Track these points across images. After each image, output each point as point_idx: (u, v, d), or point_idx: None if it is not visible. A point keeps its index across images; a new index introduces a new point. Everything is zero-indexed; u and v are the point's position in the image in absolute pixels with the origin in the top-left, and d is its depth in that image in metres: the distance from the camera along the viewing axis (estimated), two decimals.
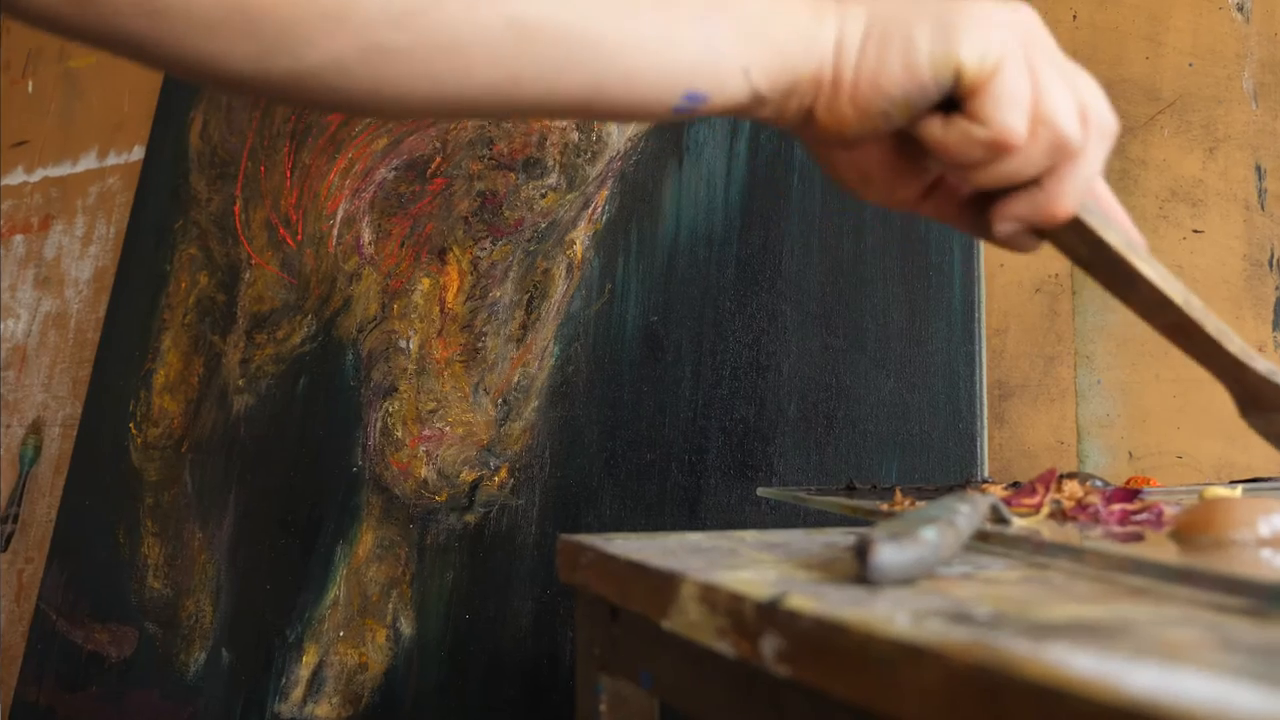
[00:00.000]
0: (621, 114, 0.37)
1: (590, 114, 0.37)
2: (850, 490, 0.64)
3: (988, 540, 0.40)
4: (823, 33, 0.36)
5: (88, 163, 1.68)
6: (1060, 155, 0.36)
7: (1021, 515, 0.46)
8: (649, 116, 0.38)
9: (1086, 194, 0.37)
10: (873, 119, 0.36)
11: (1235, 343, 0.41)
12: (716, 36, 0.35)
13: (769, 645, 0.28)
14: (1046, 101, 0.35)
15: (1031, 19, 0.37)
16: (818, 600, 0.28)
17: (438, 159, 1.22)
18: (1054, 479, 0.49)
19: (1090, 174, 0.37)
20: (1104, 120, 0.37)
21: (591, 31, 0.34)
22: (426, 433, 1.12)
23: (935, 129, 0.36)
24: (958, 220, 0.42)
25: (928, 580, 0.32)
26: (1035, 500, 0.48)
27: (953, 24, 0.35)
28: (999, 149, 0.35)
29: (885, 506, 0.50)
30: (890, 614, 0.26)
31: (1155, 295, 0.40)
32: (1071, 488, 0.49)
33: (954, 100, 0.36)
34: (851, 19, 0.36)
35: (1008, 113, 0.35)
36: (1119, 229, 0.39)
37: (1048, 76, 0.36)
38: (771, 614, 0.28)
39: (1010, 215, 0.38)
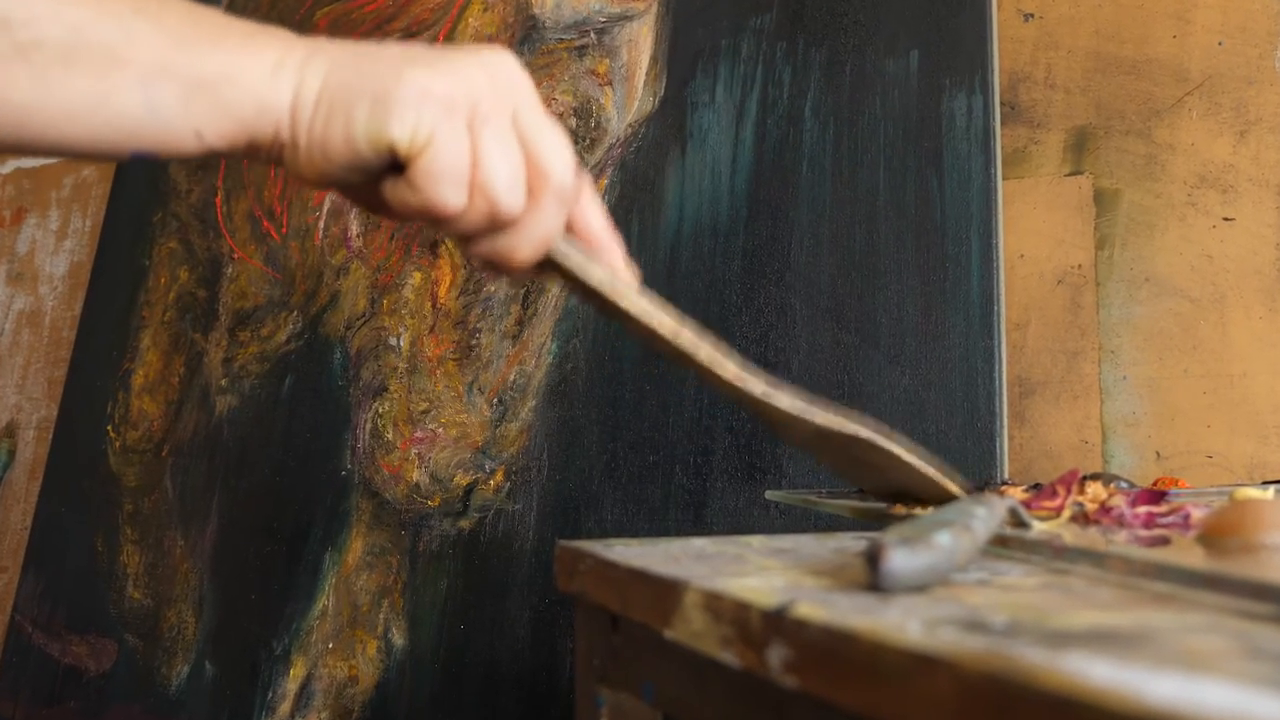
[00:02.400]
0: (72, 157, 0.40)
1: (45, 155, 0.40)
2: (862, 493, 0.65)
3: (1006, 545, 0.40)
4: (278, 96, 0.38)
5: None
6: (501, 220, 0.39)
7: (1042, 519, 0.46)
8: (104, 161, 0.41)
9: (542, 245, 0.41)
10: (330, 179, 0.39)
11: (730, 369, 0.45)
12: (162, 103, 0.37)
13: (776, 655, 0.29)
14: (483, 173, 0.38)
15: (496, 76, 0.39)
16: (826, 608, 0.28)
17: None
18: (1076, 480, 0.50)
19: (541, 233, 0.40)
20: (559, 183, 0.40)
21: (12, 103, 0.36)
22: (418, 434, 1.12)
23: (388, 188, 0.39)
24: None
25: (942, 587, 0.32)
26: (1056, 503, 0.48)
27: (389, 98, 0.37)
28: (433, 215, 0.38)
29: (899, 508, 0.50)
30: (901, 622, 0.26)
31: (645, 329, 0.44)
32: (1095, 489, 0.50)
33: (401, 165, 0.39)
34: (309, 81, 0.39)
35: (436, 185, 0.37)
36: (601, 267, 0.43)
37: (489, 147, 0.38)
38: (778, 623, 0.29)
39: (475, 256, 0.41)
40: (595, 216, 0.44)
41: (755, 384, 0.46)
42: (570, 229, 0.43)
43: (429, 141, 0.37)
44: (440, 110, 0.37)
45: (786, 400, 0.46)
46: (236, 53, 0.38)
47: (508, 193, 0.38)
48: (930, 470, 0.49)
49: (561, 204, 0.40)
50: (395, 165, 0.39)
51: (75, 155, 0.39)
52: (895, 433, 0.49)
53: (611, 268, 0.44)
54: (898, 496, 0.53)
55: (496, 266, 0.42)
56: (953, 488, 0.49)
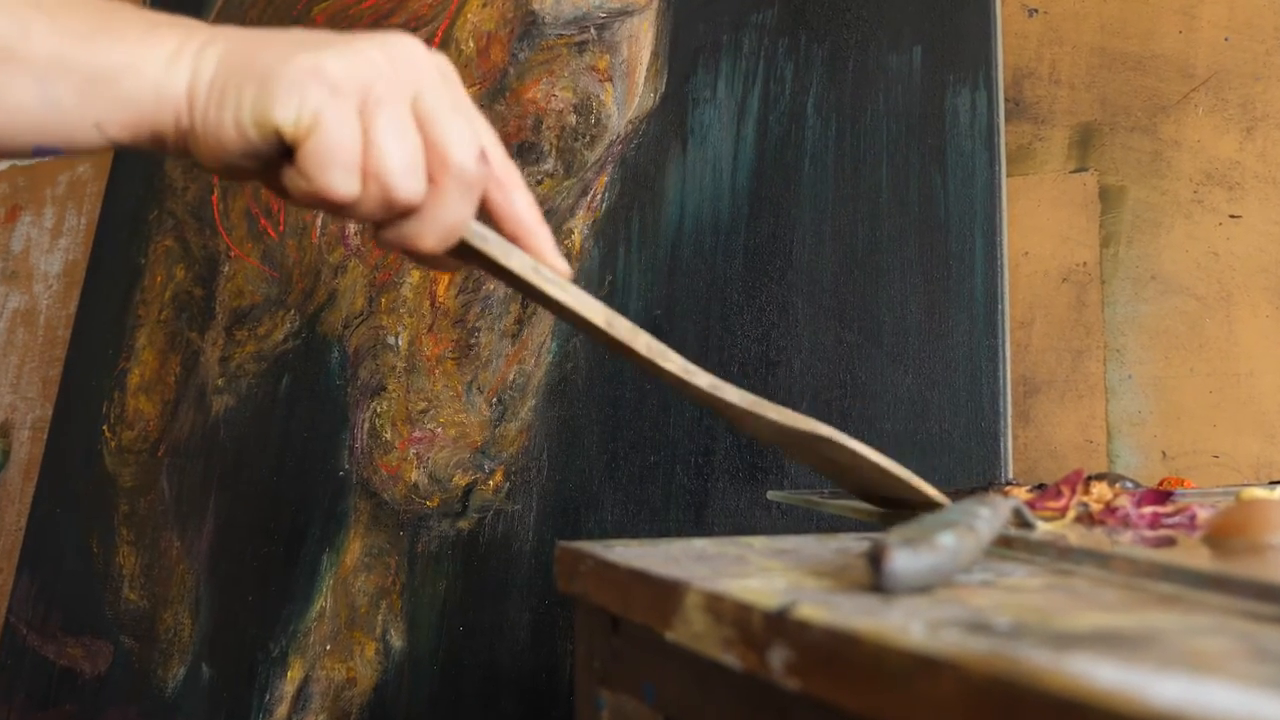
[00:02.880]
0: None
1: None
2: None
3: (1010, 545, 0.40)
4: (174, 83, 0.38)
5: None
6: (398, 208, 0.38)
7: (1046, 519, 0.46)
8: (7, 157, 0.40)
9: (449, 233, 0.39)
10: (229, 167, 0.39)
11: (673, 361, 0.44)
12: (59, 97, 0.37)
13: (777, 657, 0.29)
14: (375, 158, 0.37)
15: (396, 58, 0.38)
16: (829, 610, 0.28)
17: None
18: (1081, 481, 0.50)
19: (447, 220, 0.39)
20: (460, 169, 0.38)
21: None
22: (417, 434, 1.12)
23: (285, 175, 0.38)
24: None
25: (945, 588, 0.32)
26: (1061, 503, 0.48)
27: (274, 80, 0.37)
28: (324, 202, 0.37)
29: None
30: (904, 624, 0.26)
31: (577, 318, 0.42)
32: (1100, 490, 0.50)
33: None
34: (204, 67, 0.38)
35: (324, 171, 0.36)
36: (523, 256, 0.42)
37: (382, 130, 0.37)
38: (780, 624, 0.29)
39: (385, 241, 0.40)
40: (522, 202, 0.43)
41: (701, 377, 0.45)
42: (496, 216, 0.42)
43: (314, 125, 0.36)
44: (326, 92, 0.37)
45: (734, 394, 0.45)
46: (136, 44, 0.38)
47: (403, 179, 0.37)
48: (904, 472, 0.48)
49: (465, 191, 0.39)
50: (288, 151, 0.38)
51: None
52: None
53: (537, 255, 0.42)
54: (878, 499, 0.52)
55: (407, 253, 0.41)
56: (930, 492, 0.48)
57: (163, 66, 0.38)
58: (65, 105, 0.38)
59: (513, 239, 0.42)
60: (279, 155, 0.38)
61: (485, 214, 0.42)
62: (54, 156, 0.40)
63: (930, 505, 0.48)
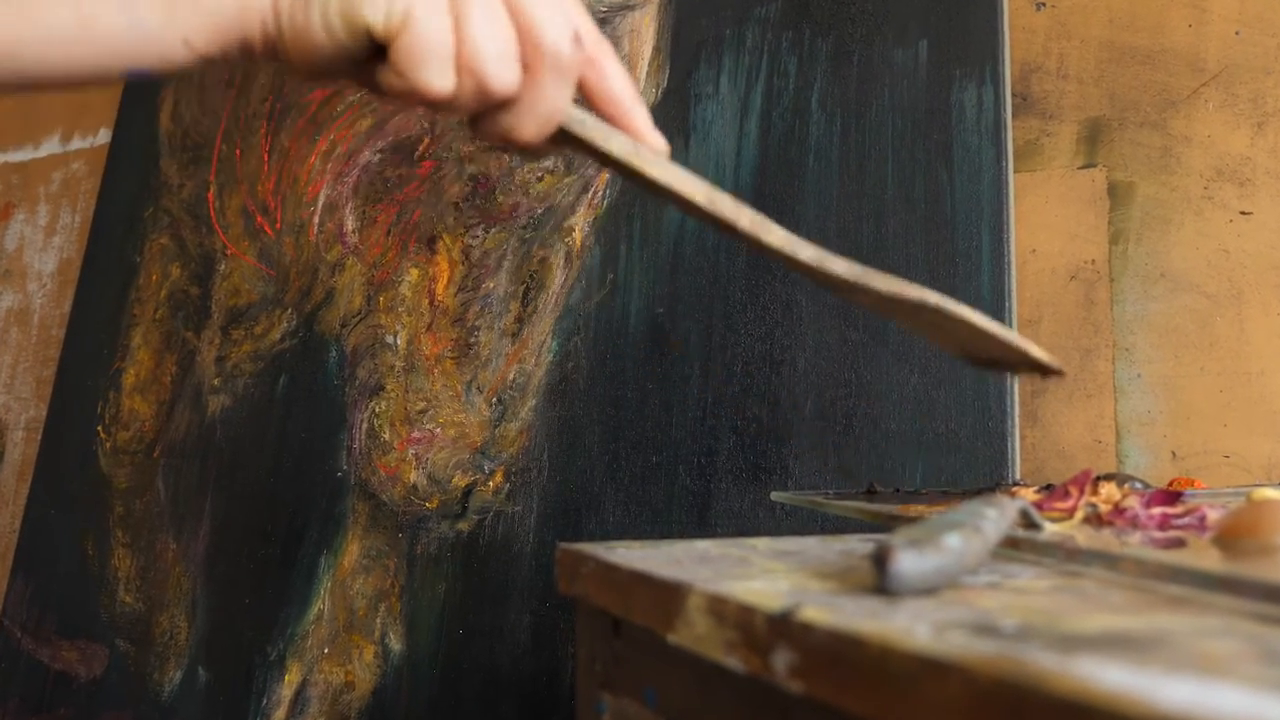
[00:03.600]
0: (70, 87, 0.40)
1: (38, 91, 0.41)
2: (871, 494, 0.65)
3: (1017, 547, 0.40)
4: None
5: (50, 147, 1.69)
6: (495, 99, 0.38)
7: (1054, 520, 0.46)
8: (99, 84, 0.41)
9: (548, 120, 0.40)
10: (320, 69, 0.39)
11: (776, 234, 0.44)
12: (145, 17, 0.38)
13: (781, 660, 0.29)
14: (468, 50, 0.37)
15: None
16: (833, 612, 0.28)
17: (426, 140, 1.22)
18: (1089, 481, 0.50)
19: (545, 108, 0.39)
20: (554, 54, 0.38)
21: (3, 39, 0.37)
22: (416, 434, 1.12)
23: (379, 75, 0.39)
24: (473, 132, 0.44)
25: (951, 590, 0.32)
26: (1069, 504, 0.48)
27: None
28: (421, 99, 0.38)
29: (909, 509, 0.50)
30: (910, 626, 0.26)
31: (678, 198, 0.42)
32: (1109, 490, 0.50)
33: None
34: None
35: (418, 67, 0.37)
36: (622, 137, 0.42)
37: (473, 21, 0.37)
38: (784, 626, 0.29)
39: (482, 134, 0.40)
40: (617, 81, 0.42)
41: (805, 250, 0.44)
42: (590, 97, 0.42)
43: (405, 21, 0.37)
44: None
45: (842, 266, 0.45)
46: None
47: (498, 69, 0.38)
48: (1012, 337, 0.47)
49: (561, 76, 0.39)
50: (380, 49, 0.38)
51: (70, 84, 0.40)
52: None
53: (635, 134, 0.42)
54: (981, 360, 0.51)
55: (507, 144, 0.41)
56: (1036, 353, 0.47)
57: None
58: (152, 24, 0.38)
59: (609, 119, 0.42)
60: (371, 54, 0.38)
61: (580, 94, 0.42)
62: (145, 78, 0.40)
63: (1040, 368, 0.48)
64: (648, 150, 0.42)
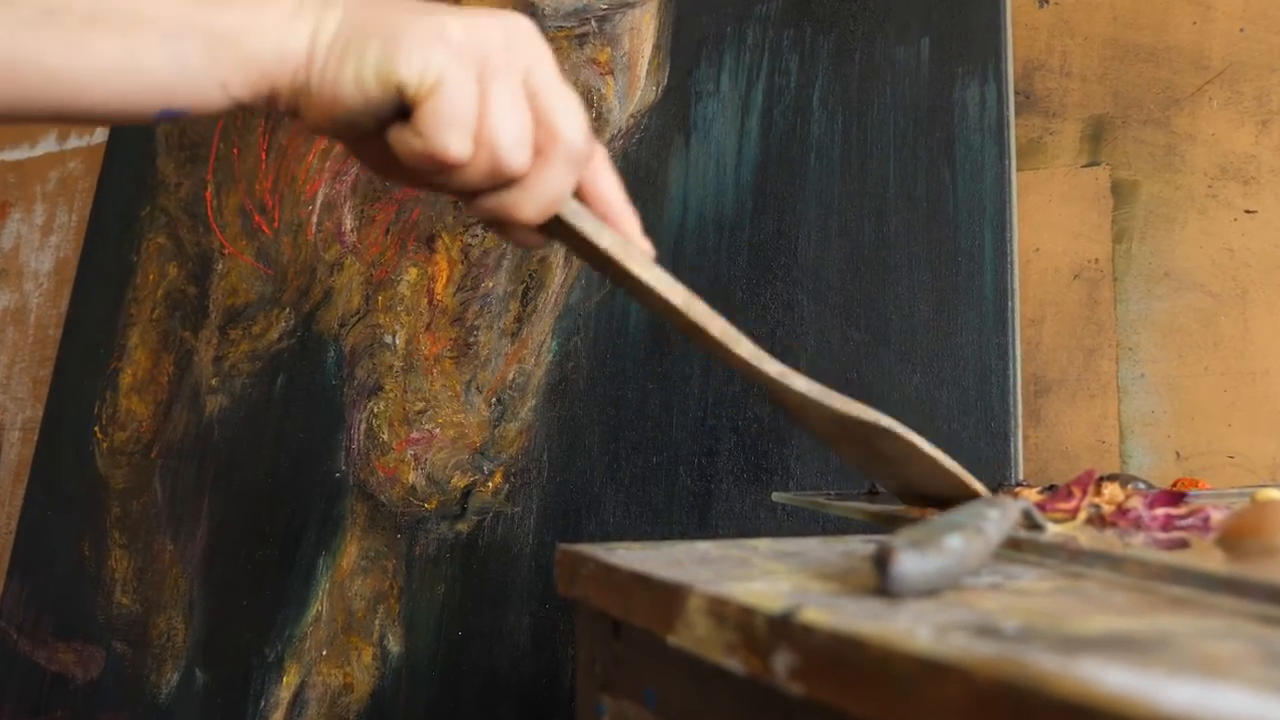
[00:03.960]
0: (103, 124, 0.42)
1: (74, 124, 0.41)
2: (872, 495, 0.65)
3: (1020, 548, 0.40)
4: (296, 39, 0.40)
5: (47, 145, 1.69)
6: (504, 176, 0.40)
7: (1057, 521, 0.46)
8: (133, 124, 0.42)
9: (548, 205, 0.41)
10: (340, 124, 0.40)
11: (745, 346, 0.46)
12: (189, 58, 0.39)
13: (781, 662, 0.29)
14: (489, 125, 0.39)
15: (512, 35, 0.40)
16: (834, 613, 0.28)
17: None
18: (1092, 482, 0.50)
19: (548, 192, 0.41)
20: (568, 144, 0.41)
21: (45, 67, 0.38)
22: (415, 435, 1.12)
23: (394, 135, 0.40)
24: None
25: (953, 591, 0.32)
26: (1072, 505, 0.48)
27: (400, 39, 0.39)
28: (436, 164, 0.39)
29: (912, 511, 0.50)
30: (911, 628, 0.26)
31: (658, 299, 0.44)
32: (1112, 491, 0.50)
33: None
34: (325, 24, 0.40)
35: (440, 131, 0.38)
36: (613, 234, 0.43)
37: (498, 99, 0.39)
38: (784, 628, 0.29)
39: (480, 210, 0.42)
40: (610, 185, 0.45)
41: (770, 365, 0.46)
42: (584, 197, 0.44)
43: (437, 84, 0.38)
44: (451, 55, 0.38)
45: (803, 383, 0.47)
46: (256, 3, 0.40)
47: (513, 147, 0.39)
48: (951, 464, 0.49)
49: (570, 165, 0.41)
50: (403, 112, 0.39)
51: (103, 119, 0.40)
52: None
53: (625, 236, 0.44)
54: (916, 496, 0.53)
55: (500, 225, 0.42)
56: (975, 485, 0.49)
57: (284, 23, 0.40)
58: (193, 67, 0.39)
59: (601, 219, 0.44)
60: (393, 115, 0.40)
61: (575, 194, 0.44)
62: (174, 120, 0.41)
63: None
64: (636, 250, 0.44)
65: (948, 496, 0.51)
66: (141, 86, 0.39)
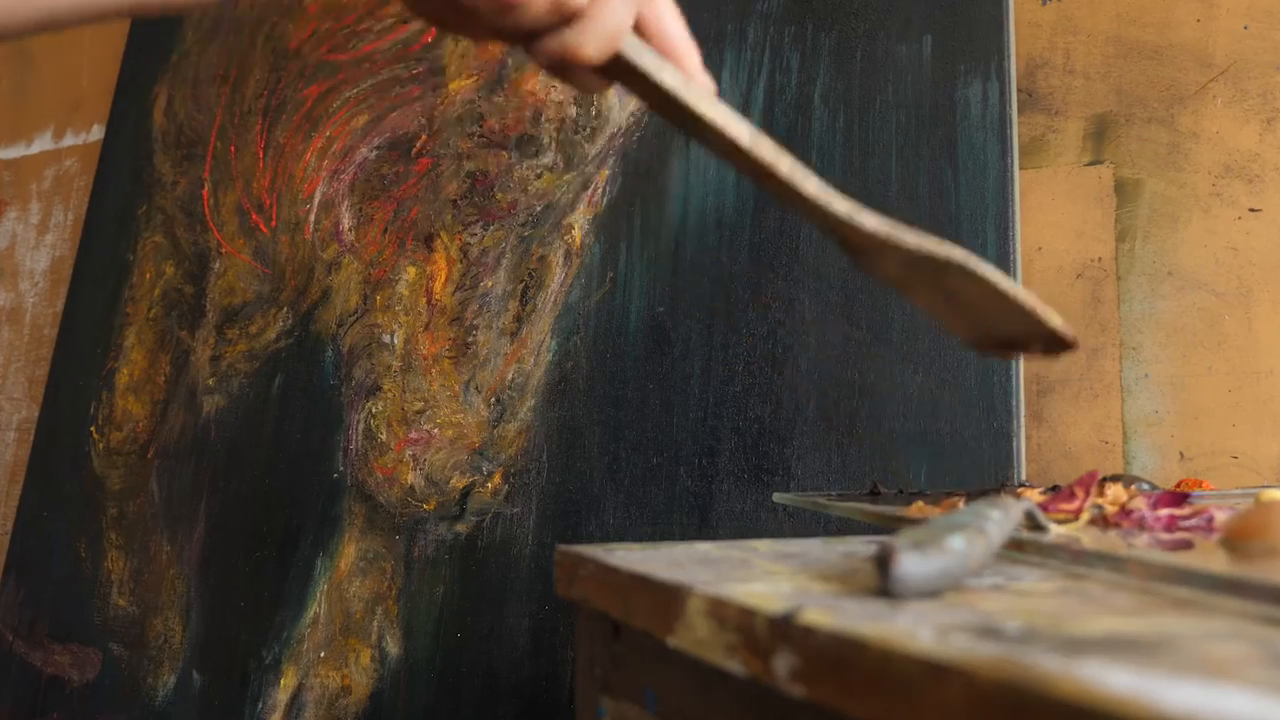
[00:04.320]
0: (176, 9, 0.42)
1: (146, 14, 0.43)
2: (874, 495, 0.65)
3: (1022, 549, 0.40)
4: None
5: (43, 143, 1.69)
6: (564, 10, 0.40)
7: (1060, 521, 0.46)
8: (201, 7, 0.42)
9: (610, 41, 0.41)
10: None
11: (812, 184, 0.44)
12: None
13: (782, 663, 0.29)
14: None
15: None
16: (834, 614, 0.28)
17: (423, 137, 1.22)
18: (1095, 482, 0.50)
19: (609, 27, 0.41)
20: None
21: None
22: (413, 435, 1.12)
23: None
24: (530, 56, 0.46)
25: (954, 592, 0.32)
26: (1074, 505, 0.48)
27: None
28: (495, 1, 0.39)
29: (914, 510, 0.50)
30: (912, 629, 0.26)
31: (722, 139, 0.43)
32: (1115, 491, 0.50)
33: None
34: None
35: None
36: (675, 71, 0.42)
37: None
38: (785, 629, 0.29)
39: (540, 53, 0.42)
40: (670, 19, 0.44)
41: (839, 203, 0.44)
42: (644, 34, 0.44)
43: None
44: None
45: (874, 221, 0.45)
46: None
47: None
48: (1033, 301, 0.47)
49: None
50: None
51: (115, 14, 0.41)
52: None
53: (687, 73, 0.44)
54: (991, 341, 0.51)
55: (562, 66, 0.42)
56: (1056, 323, 0.47)
57: None
58: None
59: (664, 54, 0.43)
60: None
61: (636, 31, 0.43)
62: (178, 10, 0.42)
63: (1058, 342, 0.47)
64: (698, 86, 0.43)
65: (1026, 338, 0.48)
66: None
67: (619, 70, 0.42)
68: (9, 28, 0.39)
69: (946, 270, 0.46)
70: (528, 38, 0.41)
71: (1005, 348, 0.50)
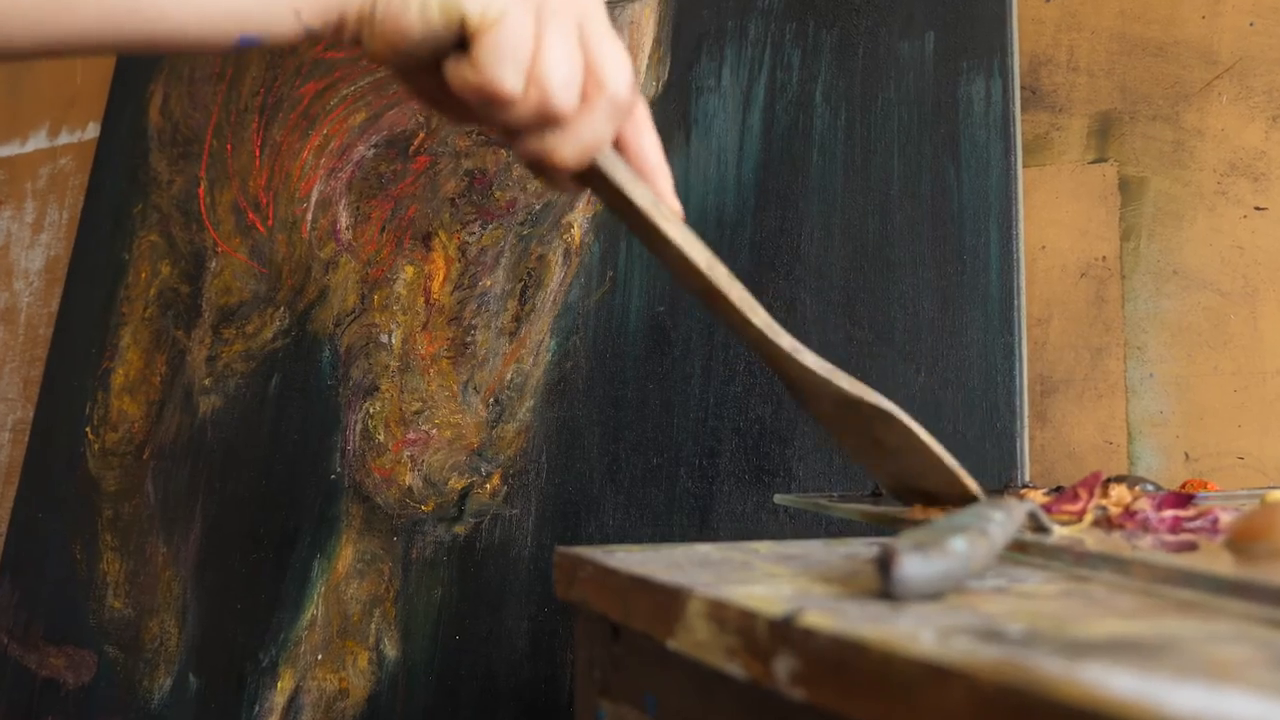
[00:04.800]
0: (185, 52, 0.43)
1: (155, 52, 0.44)
2: (876, 497, 0.65)
3: (1025, 550, 0.40)
4: None
5: (37, 142, 1.69)
6: (550, 117, 0.42)
7: (1063, 523, 0.46)
8: (211, 52, 0.44)
9: (588, 150, 0.43)
10: (401, 53, 0.42)
11: (760, 316, 0.46)
12: None
13: (782, 666, 0.29)
14: (543, 64, 0.41)
15: None
16: (836, 617, 0.28)
17: (421, 134, 1.22)
18: (1099, 483, 0.50)
19: (589, 136, 0.43)
20: (614, 91, 0.43)
21: None
22: (411, 436, 1.12)
23: (450, 66, 0.42)
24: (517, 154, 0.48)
25: (956, 595, 0.32)
26: (1078, 507, 0.48)
27: None
28: (489, 97, 0.41)
29: (914, 512, 0.50)
30: (914, 631, 0.26)
31: (680, 259, 0.45)
32: (1119, 492, 0.50)
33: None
34: None
35: (496, 64, 0.40)
36: (645, 189, 0.45)
37: (552, 41, 0.41)
38: (785, 632, 0.29)
39: (522, 150, 0.44)
40: (649, 141, 0.47)
41: (784, 338, 0.47)
42: (622, 150, 0.46)
43: (498, 19, 0.40)
44: None
45: (813, 359, 0.47)
46: None
47: (562, 87, 0.41)
48: (951, 461, 0.49)
49: (614, 113, 0.43)
50: (460, 45, 0.41)
51: (183, 44, 0.42)
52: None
53: (657, 194, 0.46)
54: (913, 493, 0.53)
55: (540, 167, 0.44)
56: (972, 485, 0.50)
57: None
58: None
59: (636, 173, 0.46)
60: (450, 48, 0.42)
61: (615, 146, 0.46)
62: (253, 47, 0.43)
63: (968, 501, 0.49)
64: (665, 208, 0.45)
65: (944, 495, 0.51)
66: (222, 14, 0.41)
67: (594, 178, 0.44)
68: (6, 50, 0.41)
69: (877, 418, 0.48)
70: (513, 134, 0.43)
71: (924, 499, 0.53)
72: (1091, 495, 0.48)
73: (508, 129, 0.43)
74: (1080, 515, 0.47)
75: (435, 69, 0.43)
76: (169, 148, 1.43)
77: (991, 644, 0.25)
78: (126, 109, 1.49)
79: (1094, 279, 0.93)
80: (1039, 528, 0.43)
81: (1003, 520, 0.37)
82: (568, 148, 0.43)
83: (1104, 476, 0.51)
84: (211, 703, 1.14)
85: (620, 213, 0.46)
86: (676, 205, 0.47)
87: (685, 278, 0.46)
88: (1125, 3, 0.97)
